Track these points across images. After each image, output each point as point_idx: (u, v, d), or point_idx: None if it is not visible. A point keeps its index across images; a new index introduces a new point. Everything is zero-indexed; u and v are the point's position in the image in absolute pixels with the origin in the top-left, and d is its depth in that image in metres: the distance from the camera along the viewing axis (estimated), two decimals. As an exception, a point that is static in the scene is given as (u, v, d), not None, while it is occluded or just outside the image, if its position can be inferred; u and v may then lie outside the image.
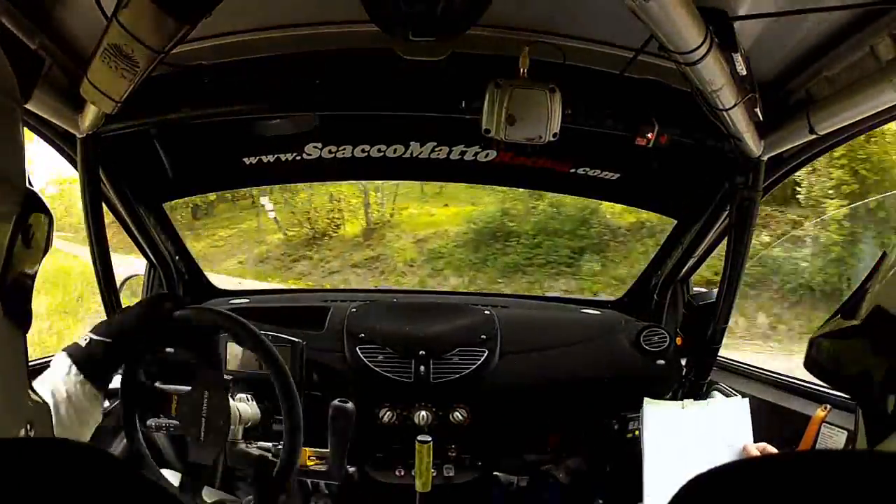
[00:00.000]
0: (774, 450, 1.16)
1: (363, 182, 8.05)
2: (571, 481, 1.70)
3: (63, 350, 0.97)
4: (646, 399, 1.26)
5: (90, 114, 1.15)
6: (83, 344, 0.97)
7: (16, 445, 0.38)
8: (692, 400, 1.27)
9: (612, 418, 1.64)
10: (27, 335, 0.54)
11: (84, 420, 0.92)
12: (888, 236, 4.93)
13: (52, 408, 0.86)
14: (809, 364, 0.60)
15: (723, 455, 1.19)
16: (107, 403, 1.10)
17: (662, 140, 1.28)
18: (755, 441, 1.20)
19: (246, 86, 1.28)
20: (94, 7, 0.94)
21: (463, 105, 1.25)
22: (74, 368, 0.93)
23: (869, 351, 0.51)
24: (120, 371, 1.07)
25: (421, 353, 1.58)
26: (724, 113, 1.09)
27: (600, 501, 1.67)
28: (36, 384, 0.90)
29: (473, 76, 1.17)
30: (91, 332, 0.99)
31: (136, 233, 1.66)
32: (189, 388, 1.08)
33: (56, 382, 0.91)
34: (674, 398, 1.66)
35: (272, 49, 1.19)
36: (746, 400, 1.22)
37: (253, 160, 1.57)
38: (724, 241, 1.49)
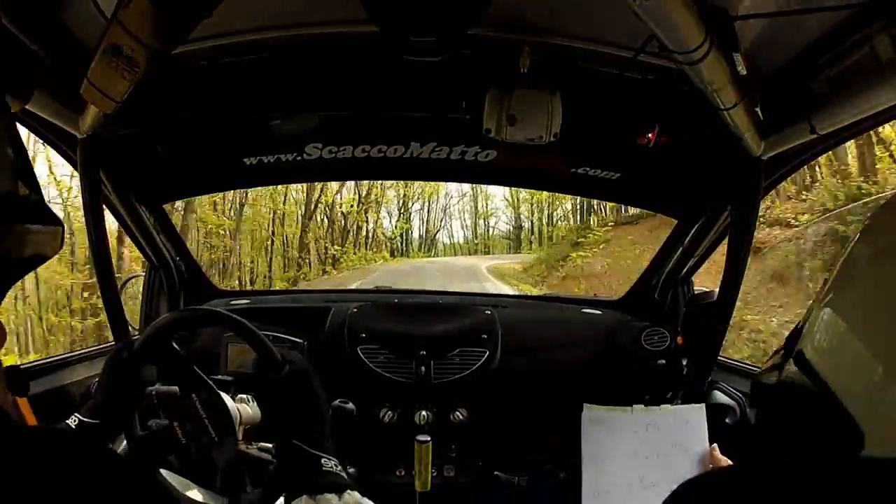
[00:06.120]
0: (721, 456, 1.14)
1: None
2: (572, 481, 1.70)
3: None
4: (585, 405, 1.23)
5: (90, 114, 1.15)
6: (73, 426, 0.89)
7: None
8: (643, 406, 1.25)
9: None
10: None
11: None
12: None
13: None
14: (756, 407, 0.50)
15: (679, 462, 1.17)
16: None
17: (663, 140, 1.28)
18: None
19: (246, 86, 1.28)
20: (93, 7, 0.94)
21: (463, 105, 1.25)
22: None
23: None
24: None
25: (422, 353, 1.58)
26: (725, 113, 1.09)
27: None
28: None
29: (474, 76, 1.17)
30: (80, 414, 0.91)
31: (136, 233, 1.66)
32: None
33: None
34: (674, 398, 1.65)
35: (272, 49, 1.19)
36: (703, 405, 1.20)
37: (253, 160, 1.57)
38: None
